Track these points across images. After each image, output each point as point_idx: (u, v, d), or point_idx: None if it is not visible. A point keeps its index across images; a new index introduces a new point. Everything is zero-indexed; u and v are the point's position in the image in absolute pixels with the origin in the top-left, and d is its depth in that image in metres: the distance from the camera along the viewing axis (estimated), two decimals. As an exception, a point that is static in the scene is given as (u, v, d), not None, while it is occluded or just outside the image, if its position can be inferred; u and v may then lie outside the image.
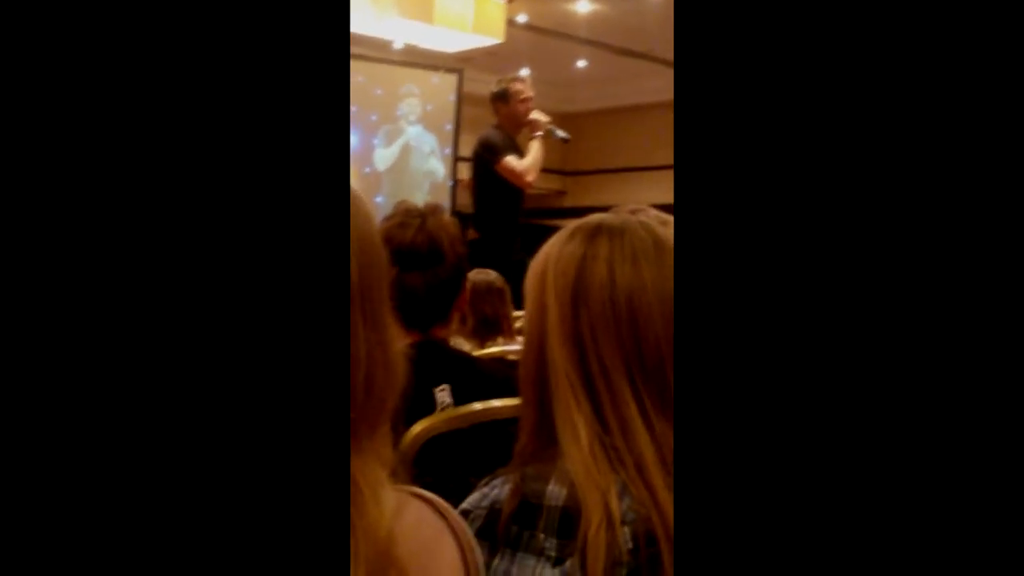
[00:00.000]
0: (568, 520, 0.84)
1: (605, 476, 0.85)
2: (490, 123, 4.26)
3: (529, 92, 4.15)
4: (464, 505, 0.89)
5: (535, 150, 4.11)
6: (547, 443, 0.91)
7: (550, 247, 0.99)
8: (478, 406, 1.43)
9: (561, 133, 4.24)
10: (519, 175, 4.03)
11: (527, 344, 0.97)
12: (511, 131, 4.17)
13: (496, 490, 0.89)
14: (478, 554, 0.76)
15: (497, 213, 4.11)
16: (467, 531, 0.76)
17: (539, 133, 4.14)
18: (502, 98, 4.15)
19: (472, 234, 4.21)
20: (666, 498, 0.86)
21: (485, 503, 0.88)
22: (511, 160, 4.03)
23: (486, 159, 4.08)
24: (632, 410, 0.90)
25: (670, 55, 9.41)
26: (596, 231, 0.97)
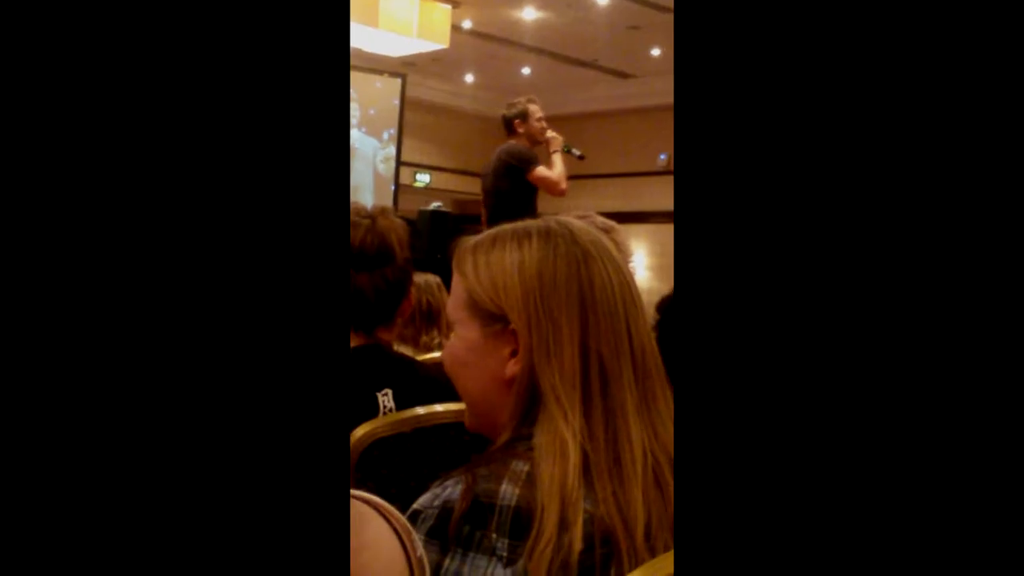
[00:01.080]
0: (520, 520, 0.84)
1: (578, 491, 0.85)
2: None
3: (542, 111, 4.26)
4: (415, 505, 0.88)
5: (559, 162, 4.21)
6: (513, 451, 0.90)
7: (520, 255, 0.95)
8: (420, 410, 1.43)
9: (577, 151, 4.39)
10: (555, 183, 4.13)
11: (522, 365, 0.93)
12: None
13: (448, 490, 0.87)
14: (420, 551, 0.75)
15: (517, 219, 4.12)
16: (410, 529, 0.76)
17: (555, 150, 4.24)
18: (521, 117, 4.23)
19: None
20: (635, 498, 0.86)
21: (437, 503, 0.87)
22: (543, 169, 4.12)
23: (517, 167, 4.13)
24: (625, 415, 0.90)
25: (614, 65, 9.51)
26: (567, 234, 0.96)
